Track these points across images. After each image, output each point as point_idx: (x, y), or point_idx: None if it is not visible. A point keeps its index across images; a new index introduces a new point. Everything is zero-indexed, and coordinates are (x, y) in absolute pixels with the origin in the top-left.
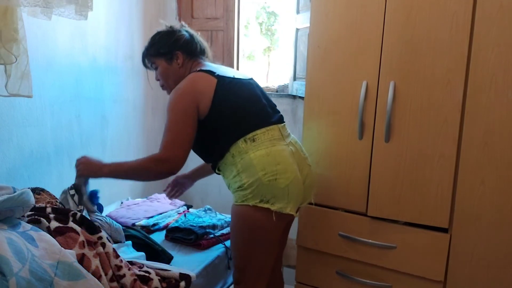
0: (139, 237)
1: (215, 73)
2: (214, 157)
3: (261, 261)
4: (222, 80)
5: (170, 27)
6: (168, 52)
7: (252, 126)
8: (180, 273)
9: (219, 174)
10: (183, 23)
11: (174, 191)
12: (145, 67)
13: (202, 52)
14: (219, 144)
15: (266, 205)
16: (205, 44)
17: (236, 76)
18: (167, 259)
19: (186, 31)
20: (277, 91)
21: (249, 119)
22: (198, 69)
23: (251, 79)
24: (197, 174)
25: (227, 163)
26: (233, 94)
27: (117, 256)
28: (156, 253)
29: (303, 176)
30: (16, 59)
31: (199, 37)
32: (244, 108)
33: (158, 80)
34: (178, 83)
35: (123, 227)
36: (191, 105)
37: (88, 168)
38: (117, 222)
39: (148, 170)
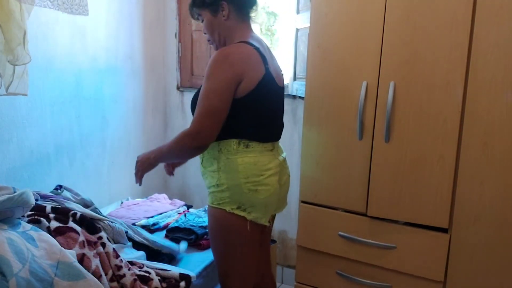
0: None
1: (267, 64)
2: None
3: (241, 265)
4: (268, 77)
5: None
6: (213, 2)
7: (254, 136)
8: (180, 273)
9: None
10: None
11: (170, 167)
12: (192, 19)
13: (251, 5)
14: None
15: (242, 213)
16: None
17: (275, 79)
18: (167, 259)
19: None
20: None
21: (258, 129)
22: (249, 40)
23: (283, 87)
24: None
25: (210, 154)
26: (267, 98)
27: (117, 256)
28: (156, 253)
29: (281, 185)
30: (30, 59)
31: None
32: (264, 118)
33: (205, 34)
34: (224, 38)
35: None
36: (236, 77)
37: (143, 164)
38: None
39: (183, 146)
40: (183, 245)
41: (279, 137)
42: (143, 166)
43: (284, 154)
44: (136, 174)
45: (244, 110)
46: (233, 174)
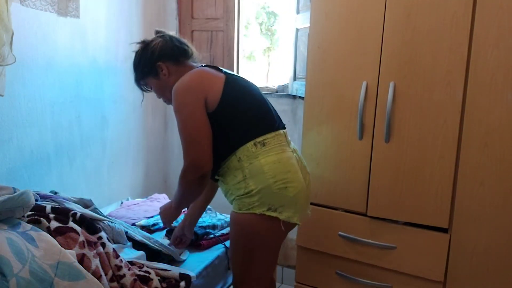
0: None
1: (222, 69)
2: (217, 158)
3: (262, 269)
4: (231, 76)
5: (143, 41)
6: (151, 68)
7: (262, 129)
8: (180, 273)
9: (216, 181)
10: (158, 29)
11: (180, 244)
12: (144, 92)
13: (184, 53)
14: (225, 144)
15: (274, 214)
16: (186, 44)
17: (240, 76)
18: (167, 259)
19: (161, 37)
20: (277, 91)
21: (259, 121)
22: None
23: (253, 83)
24: (190, 219)
25: (231, 167)
26: (243, 92)
27: (117, 256)
28: (156, 253)
29: (306, 184)
30: (15, 60)
31: (178, 38)
32: (254, 109)
33: (159, 98)
34: None
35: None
36: (199, 98)
37: (166, 217)
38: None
39: (188, 182)
40: (184, 254)
41: (281, 123)
42: (167, 218)
43: (298, 152)
44: (164, 225)
45: (231, 115)
46: (260, 177)
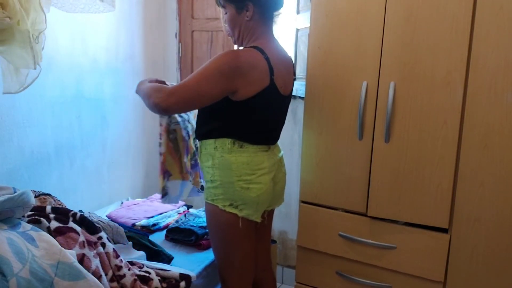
0: (138, 239)
1: (273, 74)
2: (203, 130)
3: (238, 259)
4: (271, 88)
5: None
6: (240, 0)
7: (249, 138)
8: (180, 273)
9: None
10: None
11: None
12: (217, 5)
13: (276, 8)
14: (215, 124)
15: (234, 210)
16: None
17: (280, 88)
18: (167, 259)
19: None
20: None
21: (253, 132)
22: (263, 48)
23: (290, 94)
24: None
25: (207, 150)
26: (265, 108)
27: (117, 256)
28: (156, 253)
29: (275, 182)
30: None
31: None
32: (260, 124)
33: (225, 24)
34: (243, 37)
35: (126, 230)
36: (231, 84)
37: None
38: (117, 222)
39: (150, 96)
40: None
41: (276, 141)
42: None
43: (281, 153)
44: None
45: (240, 113)
46: (226, 172)
